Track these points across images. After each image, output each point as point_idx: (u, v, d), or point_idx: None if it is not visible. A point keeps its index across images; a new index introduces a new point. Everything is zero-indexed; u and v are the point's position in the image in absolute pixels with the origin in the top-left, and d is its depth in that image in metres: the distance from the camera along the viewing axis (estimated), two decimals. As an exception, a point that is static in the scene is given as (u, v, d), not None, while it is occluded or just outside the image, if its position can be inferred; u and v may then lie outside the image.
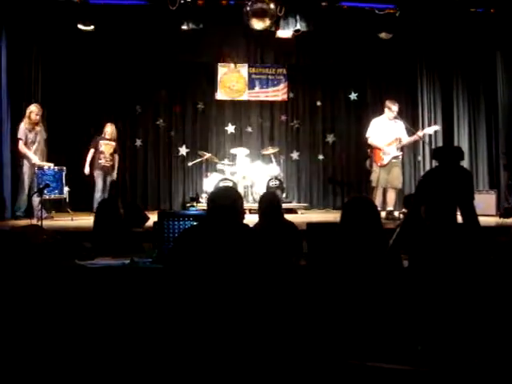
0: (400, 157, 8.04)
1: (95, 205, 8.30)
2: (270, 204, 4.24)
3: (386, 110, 7.98)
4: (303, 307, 2.96)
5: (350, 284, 2.91)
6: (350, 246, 3.01)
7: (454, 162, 3.80)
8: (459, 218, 3.75)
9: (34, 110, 7.77)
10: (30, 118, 7.74)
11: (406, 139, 8.04)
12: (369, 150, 8.24)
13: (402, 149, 8.10)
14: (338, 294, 2.91)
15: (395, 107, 7.87)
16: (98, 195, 8.33)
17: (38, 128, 7.88)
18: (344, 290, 2.91)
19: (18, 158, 7.80)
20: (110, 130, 8.61)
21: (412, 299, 3.14)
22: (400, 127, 7.98)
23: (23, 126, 7.71)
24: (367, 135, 8.10)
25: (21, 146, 7.68)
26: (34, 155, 7.73)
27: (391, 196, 7.91)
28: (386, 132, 7.91)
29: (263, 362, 2.57)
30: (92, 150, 8.49)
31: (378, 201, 7.83)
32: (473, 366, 2.57)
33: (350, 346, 2.74)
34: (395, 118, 7.94)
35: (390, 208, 7.84)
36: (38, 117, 7.80)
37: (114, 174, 8.70)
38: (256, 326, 2.63)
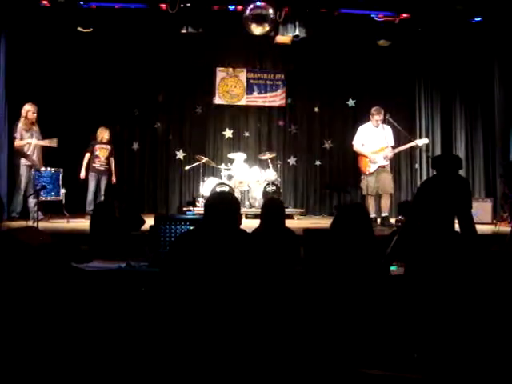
0: (387, 165, 8.02)
1: (88, 207, 8.36)
2: (274, 210, 4.24)
3: (370, 117, 8.00)
4: (298, 312, 2.96)
5: (344, 289, 2.91)
6: (341, 252, 3.02)
7: (452, 171, 3.80)
8: (457, 227, 3.76)
9: (30, 108, 7.79)
10: (27, 117, 7.75)
11: (398, 147, 8.06)
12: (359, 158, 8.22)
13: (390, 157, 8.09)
14: (333, 299, 2.91)
15: (378, 116, 7.86)
16: (90, 197, 8.47)
17: (34, 128, 7.89)
18: (339, 295, 2.91)
19: (15, 158, 7.79)
20: (104, 134, 8.65)
21: (408, 307, 3.14)
22: (387, 133, 7.95)
23: (20, 126, 7.73)
24: (353, 142, 8.11)
25: (16, 142, 7.69)
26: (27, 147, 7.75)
27: (385, 201, 7.90)
28: (373, 139, 7.90)
29: (258, 366, 2.56)
30: (88, 155, 8.58)
31: (371, 208, 7.84)
32: (468, 373, 2.57)
33: (344, 352, 2.74)
34: (383, 123, 7.93)
35: (385, 214, 7.83)
36: (34, 115, 7.82)
37: (113, 178, 8.74)
38: (251, 330, 2.63)
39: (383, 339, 2.79)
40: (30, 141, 7.76)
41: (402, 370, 2.62)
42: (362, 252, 3.00)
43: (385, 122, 7.94)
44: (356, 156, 8.24)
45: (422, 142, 8.51)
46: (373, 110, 7.99)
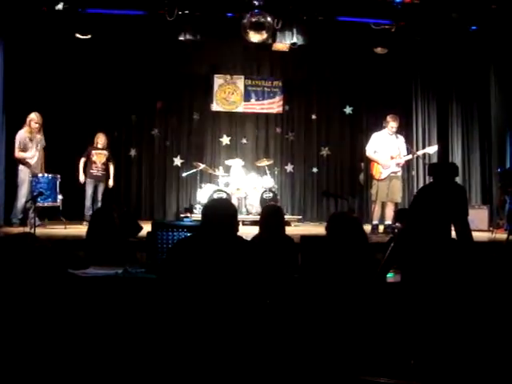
0: (399, 172, 8.06)
1: (86, 213, 8.34)
2: (274, 217, 4.24)
3: (385, 124, 8.02)
4: (296, 319, 2.96)
5: (341, 297, 2.92)
6: (336, 260, 3.03)
7: (448, 178, 3.81)
8: (453, 234, 3.76)
9: (33, 117, 7.76)
10: (29, 125, 7.72)
11: (404, 157, 8.08)
12: (362, 164, 8.24)
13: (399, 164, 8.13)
14: (330, 306, 2.91)
15: (394, 123, 7.89)
16: (87, 203, 8.47)
17: (38, 136, 7.85)
18: (336, 302, 2.91)
19: (15, 165, 7.77)
20: (101, 139, 8.66)
21: (405, 314, 3.14)
22: (401, 143, 8.00)
23: (22, 134, 7.69)
24: (366, 148, 8.14)
25: (17, 152, 7.65)
26: (30, 157, 7.70)
27: (389, 210, 7.90)
28: (386, 146, 7.92)
29: (256, 374, 2.56)
30: (83, 159, 8.58)
31: (376, 215, 7.86)
32: (464, 379, 2.57)
33: (342, 359, 2.75)
34: (396, 132, 7.98)
35: (388, 222, 7.82)
36: (37, 125, 7.76)
37: (111, 182, 8.74)
38: (249, 337, 2.63)
39: (380, 346, 2.79)
40: (28, 156, 7.70)
41: (398, 376, 2.62)
42: (356, 259, 3.01)
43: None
44: (370, 162, 8.28)
45: (433, 149, 8.53)
46: (388, 117, 8.01)
